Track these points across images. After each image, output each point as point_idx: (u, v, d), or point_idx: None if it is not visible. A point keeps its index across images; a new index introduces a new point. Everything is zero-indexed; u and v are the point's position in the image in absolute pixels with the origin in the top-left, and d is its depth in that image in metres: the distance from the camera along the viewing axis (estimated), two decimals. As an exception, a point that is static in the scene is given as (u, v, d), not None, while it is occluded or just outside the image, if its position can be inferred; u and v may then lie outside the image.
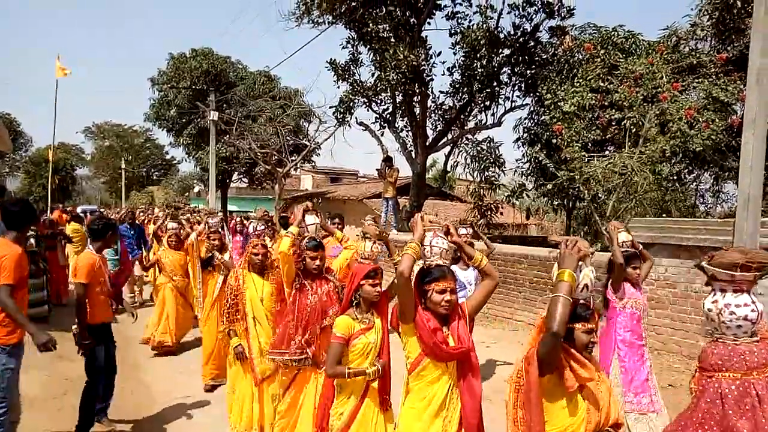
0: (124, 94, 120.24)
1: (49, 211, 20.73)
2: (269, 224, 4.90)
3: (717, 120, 9.23)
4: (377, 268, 3.16)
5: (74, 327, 4.33)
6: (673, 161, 9.58)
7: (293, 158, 22.41)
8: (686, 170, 11.24)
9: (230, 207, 30.87)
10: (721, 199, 12.51)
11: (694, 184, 12.24)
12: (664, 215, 9.68)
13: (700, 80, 9.85)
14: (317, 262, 3.78)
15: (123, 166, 44.66)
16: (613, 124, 10.21)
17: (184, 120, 27.65)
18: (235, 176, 30.41)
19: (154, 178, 49.40)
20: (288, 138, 22.02)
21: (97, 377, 4.45)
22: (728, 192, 12.21)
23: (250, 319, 4.22)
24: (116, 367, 4.75)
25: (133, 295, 10.35)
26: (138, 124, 48.22)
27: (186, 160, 31.51)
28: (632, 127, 9.63)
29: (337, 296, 3.79)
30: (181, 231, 7.63)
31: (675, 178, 10.83)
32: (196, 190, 41.50)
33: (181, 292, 7.40)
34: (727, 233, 6.49)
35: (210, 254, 6.22)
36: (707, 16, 10.75)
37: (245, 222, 9.69)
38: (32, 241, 8.72)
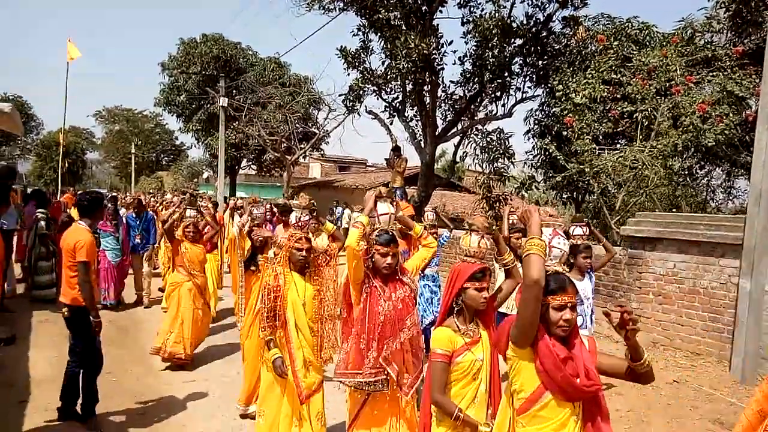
0: (135, 78, 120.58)
1: (59, 194, 20.91)
2: (314, 214, 4.33)
3: (731, 114, 9.11)
4: (485, 268, 2.62)
5: (65, 310, 4.32)
6: (684, 156, 9.49)
7: (302, 146, 22.42)
8: (698, 165, 11.13)
9: (239, 194, 30.97)
10: (732, 195, 12.39)
11: (706, 179, 12.11)
12: (674, 210, 9.61)
13: (714, 74, 9.72)
14: (389, 259, 3.16)
15: (133, 150, 44.89)
16: (625, 117, 10.10)
17: (193, 105, 27.72)
18: (244, 163, 30.50)
19: (164, 163, 49.67)
20: (297, 125, 22.02)
21: (96, 353, 4.50)
22: (740, 188, 12.10)
23: (292, 327, 3.47)
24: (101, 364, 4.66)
25: (144, 292, 9.18)
26: (148, 109, 48.45)
27: (195, 146, 31.51)
28: (644, 120, 9.54)
29: (414, 302, 3.27)
30: (200, 221, 6.62)
31: (686, 172, 10.73)
32: (205, 176, 41.68)
33: (201, 291, 6.38)
34: (738, 229, 6.42)
35: (255, 251, 5.30)
36: (724, 9, 10.57)
37: (275, 209, 8.35)
38: (42, 223, 8.80)
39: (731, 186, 12.21)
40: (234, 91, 23.79)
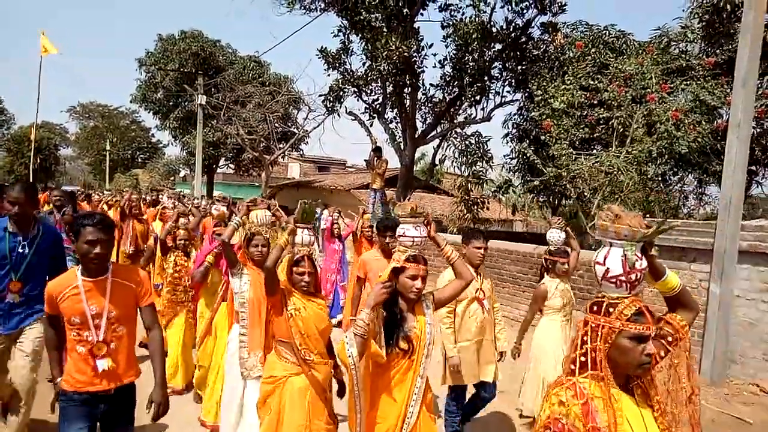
0: (110, 74, 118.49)
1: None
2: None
3: (703, 123, 9.32)
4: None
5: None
6: (658, 162, 9.66)
7: (281, 146, 22.29)
8: (671, 172, 11.34)
9: (216, 193, 30.62)
10: (704, 201, 12.67)
11: (679, 185, 12.36)
12: (647, 215, 9.78)
13: (688, 82, 9.93)
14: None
15: (108, 147, 44.08)
16: (601, 122, 10.26)
17: (171, 103, 27.36)
18: (222, 162, 30.19)
19: (140, 160, 48.84)
20: (276, 125, 21.88)
21: None
22: (711, 194, 12.37)
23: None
24: None
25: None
26: (124, 106, 47.65)
27: (172, 144, 31.09)
28: (620, 126, 9.69)
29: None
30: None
31: (660, 179, 10.92)
32: (182, 174, 41.15)
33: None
34: (709, 235, 6.57)
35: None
36: (697, 19, 10.82)
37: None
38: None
39: (703, 192, 12.48)
40: (213, 89, 23.56)
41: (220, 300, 4.64)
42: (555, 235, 4.90)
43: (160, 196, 13.78)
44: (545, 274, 4.84)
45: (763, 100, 9.22)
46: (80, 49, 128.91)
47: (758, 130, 10.01)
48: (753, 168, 10.87)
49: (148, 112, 29.23)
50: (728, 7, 9.87)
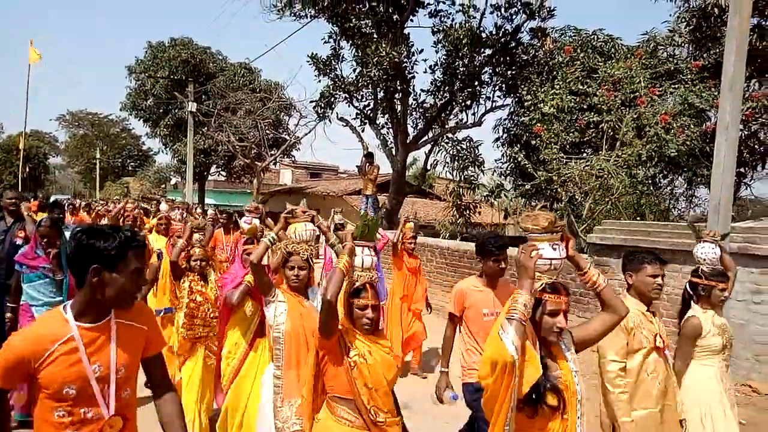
0: (100, 82, 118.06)
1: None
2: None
3: (692, 126, 9.41)
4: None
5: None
6: (648, 165, 9.74)
7: (272, 152, 22.25)
8: (661, 174, 11.44)
9: (207, 201, 30.52)
10: (693, 203, 12.78)
11: (669, 188, 12.46)
12: (638, 218, 9.84)
13: (676, 86, 10.04)
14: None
15: (98, 155, 43.84)
16: (591, 126, 10.33)
17: (161, 110, 27.23)
18: (213, 169, 30.09)
19: (130, 168, 48.62)
20: (267, 132, 21.84)
21: None
22: (701, 196, 12.49)
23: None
24: None
25: None
26: (114, 114, 47.42)
27: (163, 152, 30.95)
28: (609, 130, 9.77)
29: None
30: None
31: (650, 181, 11.01)
32: (172, 182, 40.94)
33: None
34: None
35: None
36: (685, 24, 10.95)
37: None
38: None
39: (693, 194, 12.59)
40: (203, 96, 23.50)
41: (253, 337, 3.96)
42: (709, 252, 3.74)
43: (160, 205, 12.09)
44: (692, 303, 3.63)
45: (749, 102, 9.32)
46: (70, 57, 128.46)
47: (746, 132, 10.13)
48: (741, 170, 10.98)
49: (138, 120, 29.08)
50: (715, 11, 10.01)
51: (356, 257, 2.55)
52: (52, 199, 22.53)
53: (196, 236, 4.55)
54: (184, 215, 5.68)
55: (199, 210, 9.32)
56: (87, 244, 1.83)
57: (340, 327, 2.50)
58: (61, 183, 58.48)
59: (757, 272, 6.15)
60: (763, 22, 10.37)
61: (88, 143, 47.12)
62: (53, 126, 58.53)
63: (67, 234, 5.48)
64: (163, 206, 7.37)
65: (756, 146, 10.74)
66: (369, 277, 2.59)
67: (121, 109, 29.44)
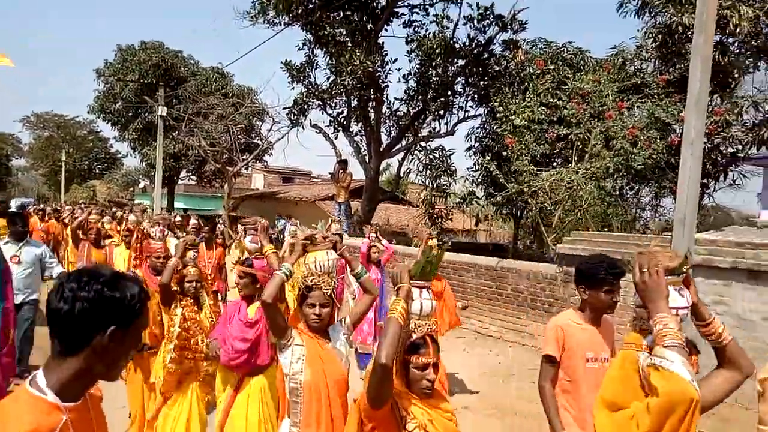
0: (67, 84, 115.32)
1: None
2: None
3: (658, 139, 9.67)
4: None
5: None
6: (616, 177, 9.97)
7: (244, 157, 22.02)
8: (628, 186, 11.71)
9: (177, 205, 30.01)
10: (659, 213, 13.11)
11: (635, 198, 12.76)
12: (606, 228, 10.05)
13: (643, 100, 10.31)
14: None
15: (63, 158, 42.71)
16: (561, 138, 10.52)
17: (130, 114, 26.71)
18: (183, 173, 29.61)
19: (97, 171, 47.49)
20: (239, 137, 21.61)
21: None
22: (666, 206, 12.83)
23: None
24: None
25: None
26: (81, 116, 46.30)
27: (131, 155, 30.30)
28: (579, 142, 9.97)
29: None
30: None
31: (617, 193, 11.26)
32: (141, 185, 40.15)
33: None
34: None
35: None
36: (652, 39, 11.25)
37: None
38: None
39: (658, 204, 12.93)
40: (174, 101, 23.12)
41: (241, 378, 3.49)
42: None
43: (124, 213, 10.45)
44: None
45: (713, 117, 9.62)
46: (35, 58, 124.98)
47: (709, 145, 10.42)
48: (704, 181, 11.31)
49: (107, 123, 28.48)
50: (680, 29, 10.31)
51: (413, 302, 2.07)
52: (16, 203, 21.63)
53: (190, 254, 3.98)
54: (166, 233, 4.77)
55: (178, 218, 8.81)
56: (110, 296, 1.38)
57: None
58: (24, 185, 56.83)
59: (720, 284, 6.33)
60: (725, 40, 10.73)
61: (53, 145, 45.86)
62: (17, 127, 56.90)
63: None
64: (132, 218, 6.89)
65: (718, 158, 11.09)
66: (428, 326, 2.08)
67: (88, 112, 28.82)
